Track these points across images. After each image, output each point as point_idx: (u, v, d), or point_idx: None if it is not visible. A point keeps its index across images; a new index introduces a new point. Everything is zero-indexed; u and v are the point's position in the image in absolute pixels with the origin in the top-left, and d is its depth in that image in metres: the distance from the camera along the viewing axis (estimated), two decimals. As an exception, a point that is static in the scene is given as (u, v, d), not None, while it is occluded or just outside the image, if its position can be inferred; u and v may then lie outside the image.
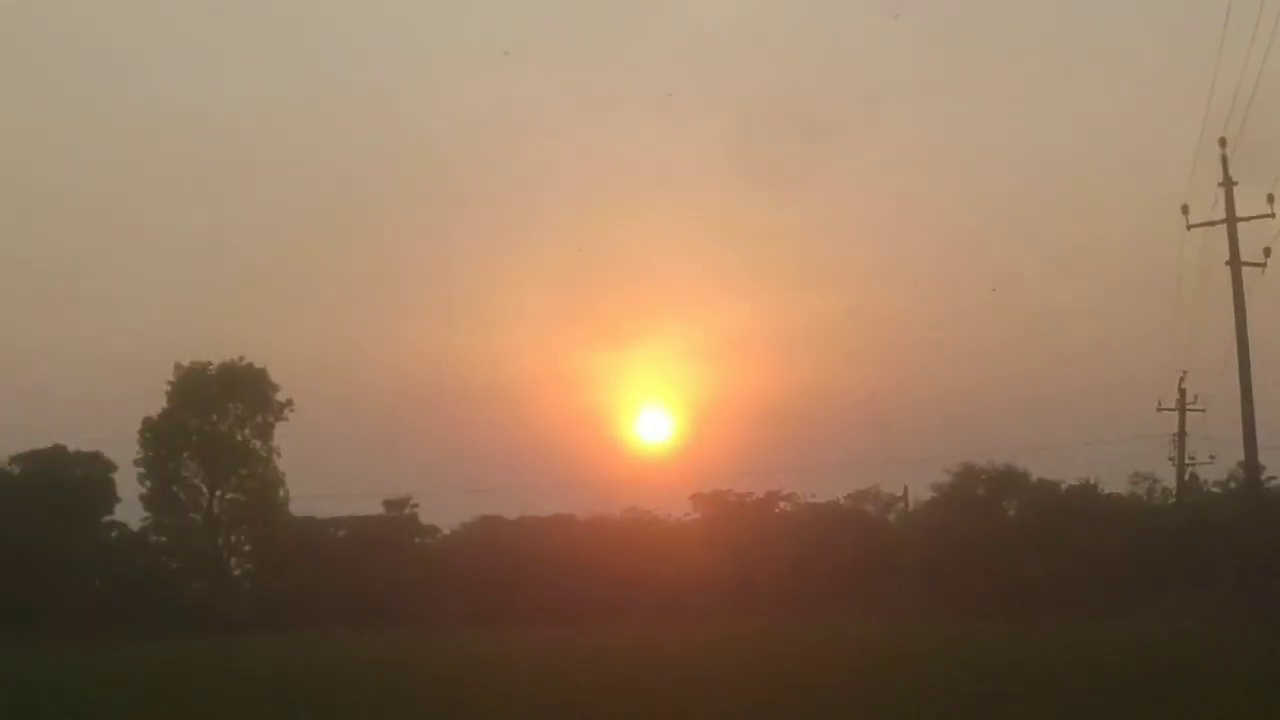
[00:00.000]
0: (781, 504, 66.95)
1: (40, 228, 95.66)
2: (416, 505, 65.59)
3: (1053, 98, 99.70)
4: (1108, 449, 71.95)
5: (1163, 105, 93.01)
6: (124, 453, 61.30)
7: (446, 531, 66.44)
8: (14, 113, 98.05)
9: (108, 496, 62.39)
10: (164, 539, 62.43)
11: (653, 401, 78.03)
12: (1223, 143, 25.46)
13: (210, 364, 61.39)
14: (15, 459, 61.78)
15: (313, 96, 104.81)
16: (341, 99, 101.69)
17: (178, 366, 61.14)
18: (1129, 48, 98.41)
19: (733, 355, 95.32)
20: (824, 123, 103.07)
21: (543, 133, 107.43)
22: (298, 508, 62.64)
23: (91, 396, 72.11)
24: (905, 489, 63.65)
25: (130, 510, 62.12)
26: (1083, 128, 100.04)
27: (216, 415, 61.62)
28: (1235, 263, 25.47)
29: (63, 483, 61.19)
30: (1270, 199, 24.87)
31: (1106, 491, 63.93)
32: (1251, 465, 27.55)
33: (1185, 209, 26.33)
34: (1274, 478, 52.88)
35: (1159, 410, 50.38)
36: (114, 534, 63.04)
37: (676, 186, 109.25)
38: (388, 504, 65.27)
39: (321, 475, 67.47)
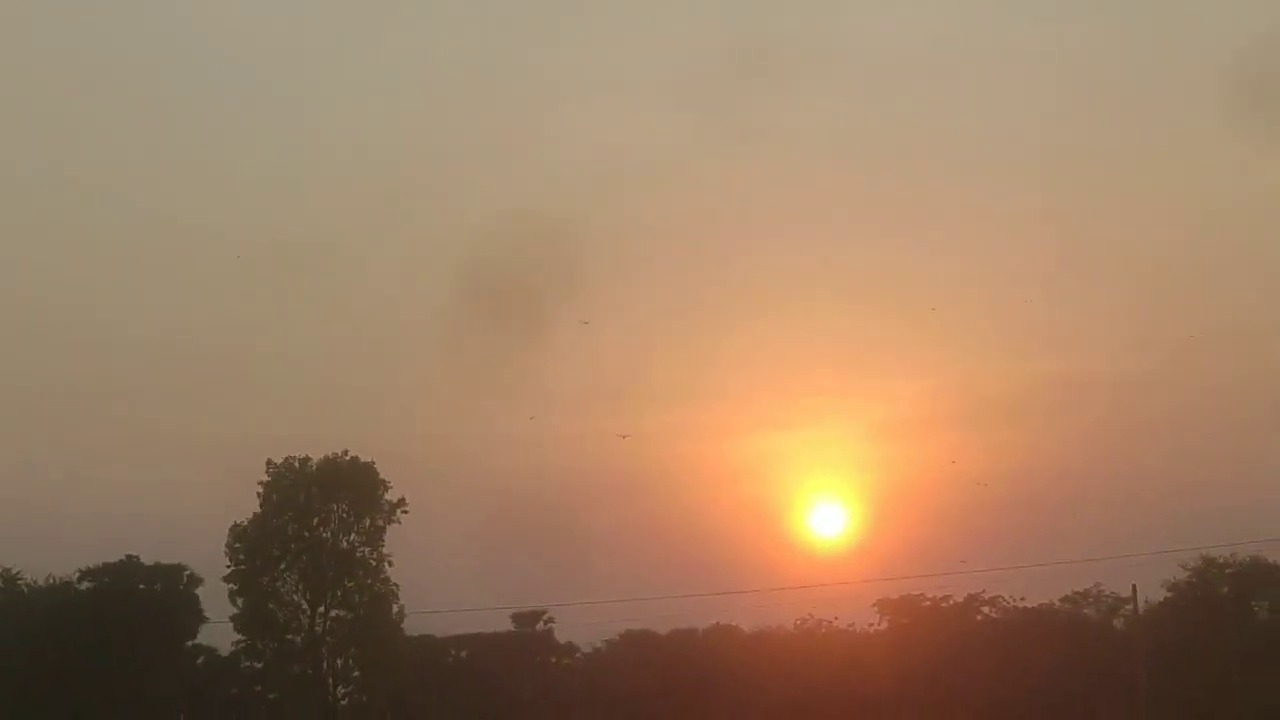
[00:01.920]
0: (984, 609, 60.44)
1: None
2: (551, 620, 59.71)
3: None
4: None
5: None
6: (212, 566, 56.16)
7: (587, 650, 60.70)
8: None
9: (193, 616, 57.42)
10: (259, 664, 57.04)
11: (828, 491, 71.06)
12: None
13: (309, 460, 55.93)
14: (85, 573, 57.07)
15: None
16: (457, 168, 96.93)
17: (270, 464, 55.58)
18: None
19: (920, 435, 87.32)
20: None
21: (682, 187, 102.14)
22: (413, 625, 56.85)
23: (173, 502, 67.30)
24: (1134, 589, 56.56)
25: (220, 633, 56.80)
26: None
27: (317, 519, 56.04)
28: None
29: (139, 600, 56.68)
30: None
31: None
32: None
33: None
34: None
35: None
36: (200, 659, 58.22)
37: (842, 235, 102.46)
38: (517, 619, 59.49)
39: (440, 587, 61.35)
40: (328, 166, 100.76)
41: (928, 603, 58.87)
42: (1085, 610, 60.43)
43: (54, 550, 58.29)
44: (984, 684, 54.98)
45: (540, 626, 59.51)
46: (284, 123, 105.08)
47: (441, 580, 62.86)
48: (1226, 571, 58.07)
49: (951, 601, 58.89)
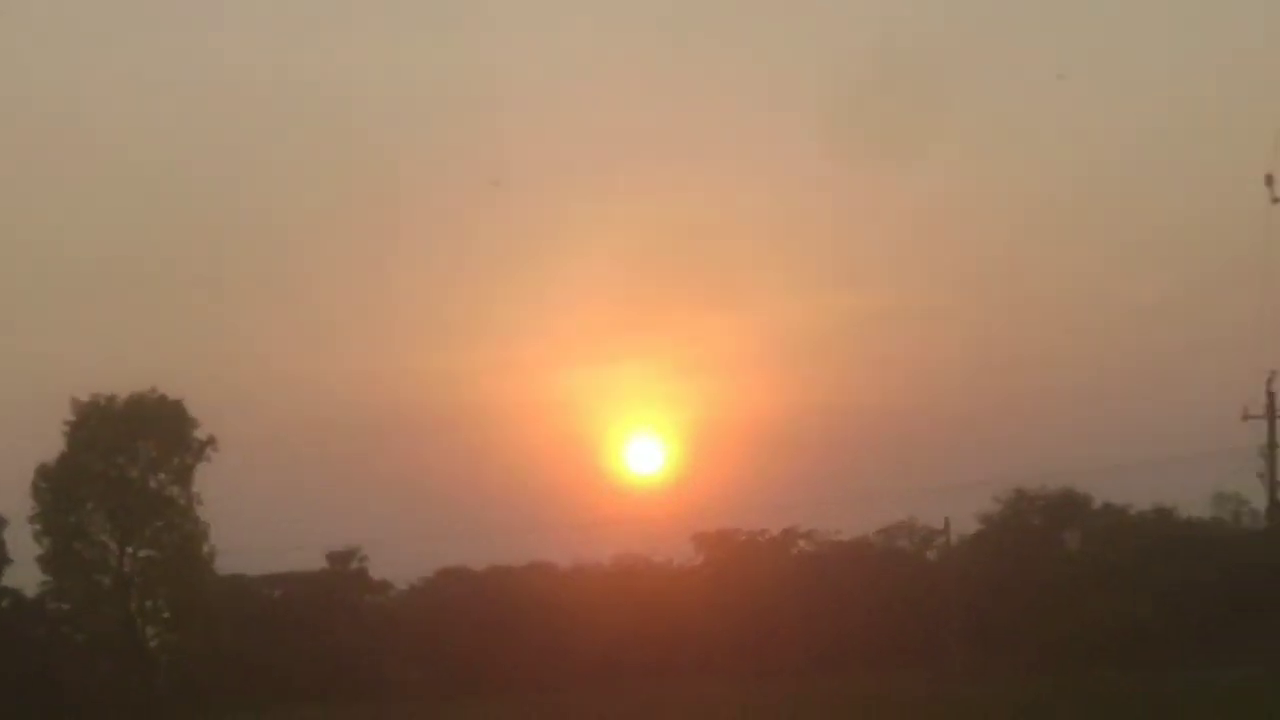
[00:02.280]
0: (800, 543, 62.50)
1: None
2: (366, 558, 60.44)
3: (1115, 68, 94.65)
4: (1185, 467, 66.26)
5: (1239, 65, 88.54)
6: (18, 507, 56.50)
7: (402, 587, 61.64)
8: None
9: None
10: (66, 606, 57.43)
11: (644, 427, 72.17)
12: None
13: (115, 397, 56.22)
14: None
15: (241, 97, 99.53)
16: (271, 99, 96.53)
17: (75, 402, 55.76)
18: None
19: (738, 371, 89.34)
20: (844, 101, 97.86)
21: (504, 111, 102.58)
22: (225, 564, 57.41)
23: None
24: (946, 521, 58.48)
25: (25, 573, 56.80)
26: (1152, 97, 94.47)
27: (124, 458, 56.43)
28: None
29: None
30: None
31: (1185, 516, 60.66)
32: None
33: (1269, 180, 24.80)
34: None
35: (1244, 419, 46.45)
36: (5, 601, 58.23)
37: (670, 170, 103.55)
38: (331, 557, 60.20)
39: (252, 525, 61.81)
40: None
41: (744, 537, 60.42)
42: (899, 543, 62.27)
43: None
44: (801, 616, 56.62)
45: (355, 565, 60.25)
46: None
47: (254, 519, 63.41)
48: (1038, 503, 60.19)
49: (767, 536, 60.50)
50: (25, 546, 55.74)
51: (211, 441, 57.27)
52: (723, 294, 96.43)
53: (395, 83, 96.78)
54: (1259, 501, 52.41)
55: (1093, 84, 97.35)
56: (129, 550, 56.71)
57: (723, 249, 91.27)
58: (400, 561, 60.31)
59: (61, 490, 56.10)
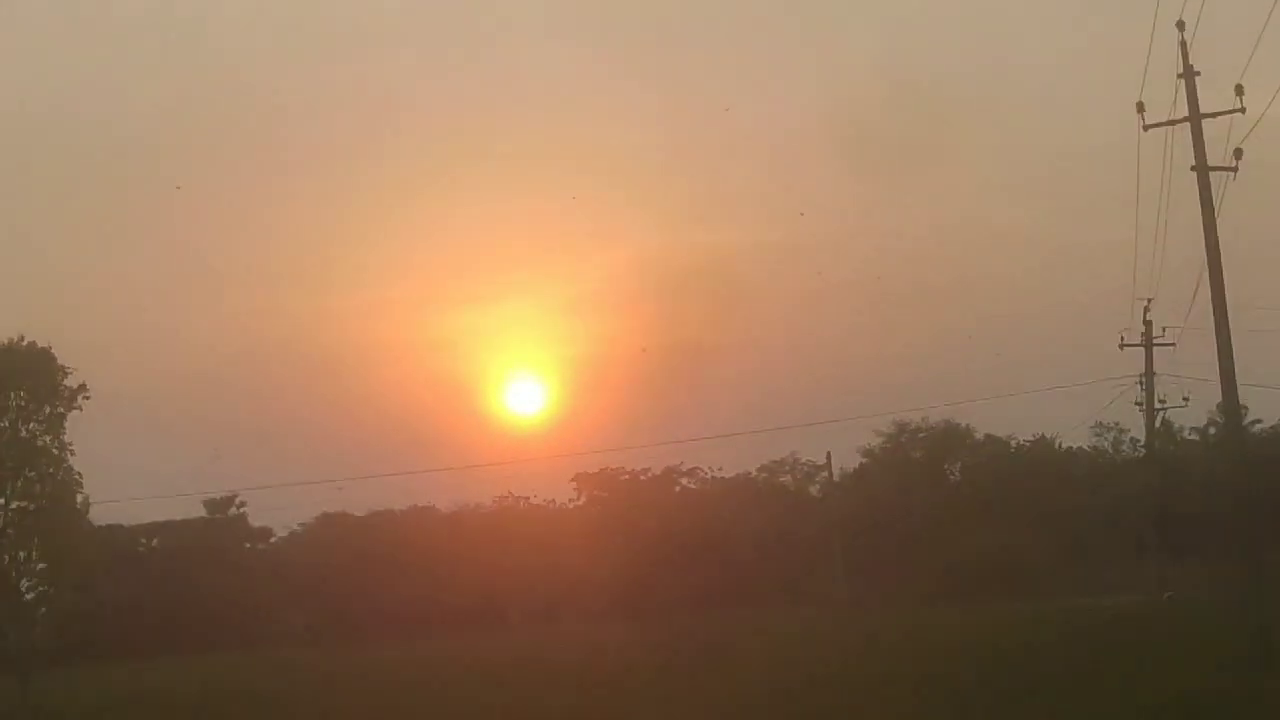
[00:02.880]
0: (682, 481, 62.89)
1: None
2: (244, 505, 60.77)
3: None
4: (1064, 397, 67.24)
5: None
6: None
7: (283, 534, 62.17)
8: None
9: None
10: (-66, 561, 57.68)
11: (523, 368, 72.13)
12: (1180, 26, 23.31)
13: (-20, 347, 56.39)
14: None
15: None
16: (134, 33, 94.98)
17: (-64, 351, 55.94)
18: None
19: (612, 307, 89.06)
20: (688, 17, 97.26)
21: (375, 49, 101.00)
22: (100, 514, 57.83)
23: None
24: (828, 455, 59.02)
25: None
26: (1022, 22, 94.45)
27: (-9, 408, 56.70)
28: (1202, 167, 23.79)
29: None
30: (1239, 90, 23.35)
31: (1066, 446, 62.23)
32: (1232, 407, 25.58)
33: (1140, 107, 24.95)
34: (1259, 421, 52.67)
35: (1122, 348, 47.36)
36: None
37: (540, 106, 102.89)
38: (209, 504, 60.47)
39: (127, 474, 62.08)
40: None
41: (626, 476, 60.78)
42: (782, 479, 63.06)
43: None
44: (684, 554, 56.96)
45: (233, 511, 60.47)
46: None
47: (130, 468, 63.76)
48: (919, 435, 60.97)
49: (650, 474, 60.86)
50: (-108, 502, 56.67)
51: (83, 389, 57.23)
52: (600, 231, 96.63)
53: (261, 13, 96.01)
54: (1138, 430, 54.52)
55: (960, 8, 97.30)
56: (0, 502, 57.07)
57: (598, 184, 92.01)
58: (281, 508, 60.70)
59: (-77, 443, 56.29)
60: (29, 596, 58.04)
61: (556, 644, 43.03)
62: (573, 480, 60.41)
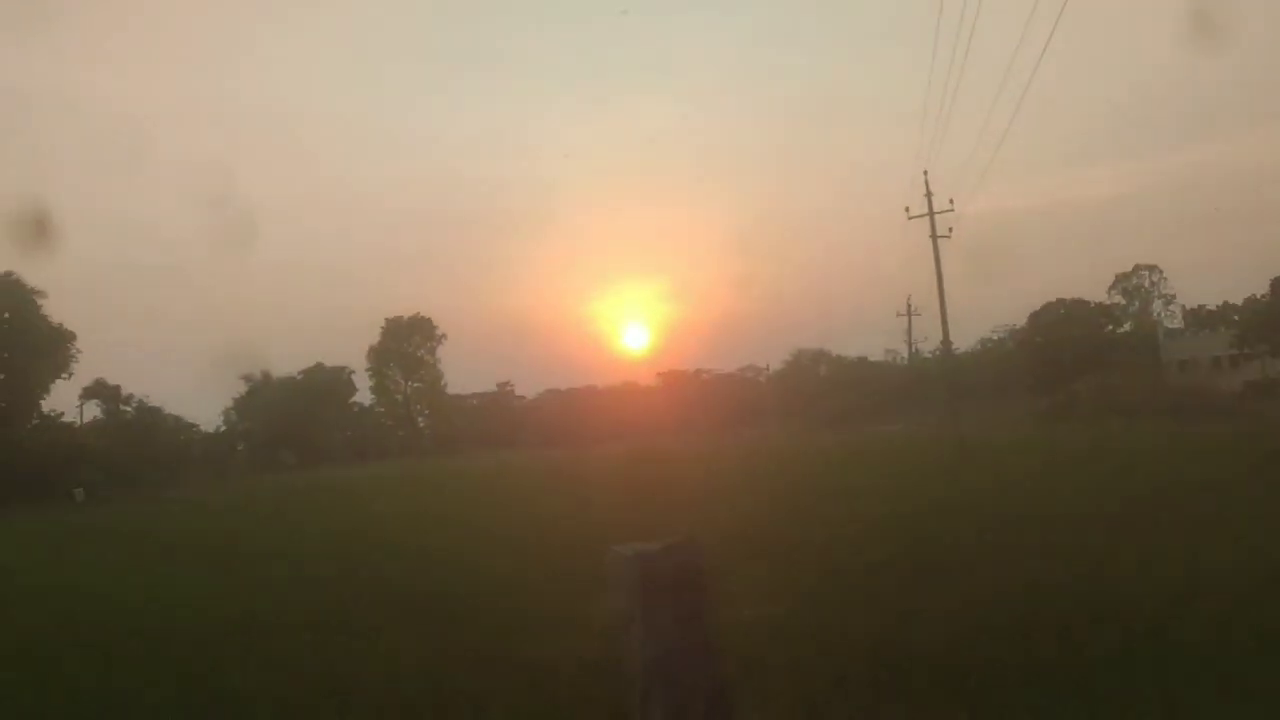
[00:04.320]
0: (705, 376, 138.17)
1: None
2: (511, 385, 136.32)
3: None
4: (873, 336, 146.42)
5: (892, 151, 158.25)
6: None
7: (532, 397, 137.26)
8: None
9: (351, 389, 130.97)
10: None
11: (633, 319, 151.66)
12: (925, 173, 43.68)
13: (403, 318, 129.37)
14: (302, 372, 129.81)
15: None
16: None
17: (387, 321, 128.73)
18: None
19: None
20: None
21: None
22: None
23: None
24: (768, 365, 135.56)
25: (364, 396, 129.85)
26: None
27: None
28: (934, 237, 41.86)
29: (324, 386, 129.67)
30: (951, 201, 42.16)
31: (872, 359, 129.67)
32: (945, 343, 46.09)
33: (907, 209, 43.01)
34: (958, 348, 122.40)
35: (898, 315, 78.73)
36: (356, 409, 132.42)
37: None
38: (500, 383, 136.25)
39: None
40: None
41: (679, 374, 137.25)
42: (748, 374, 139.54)
43: None
44: (705, 409, 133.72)
45: (507, 389, 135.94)
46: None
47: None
48: (808, 355, 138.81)
49: (688, 372, 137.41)
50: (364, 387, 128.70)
51: None
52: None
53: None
54: (904, 352, 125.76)
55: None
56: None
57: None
58: (535, 389, 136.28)
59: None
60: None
61: (657, 448, 62.82)
62: (657, 375, 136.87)
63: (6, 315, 68.47)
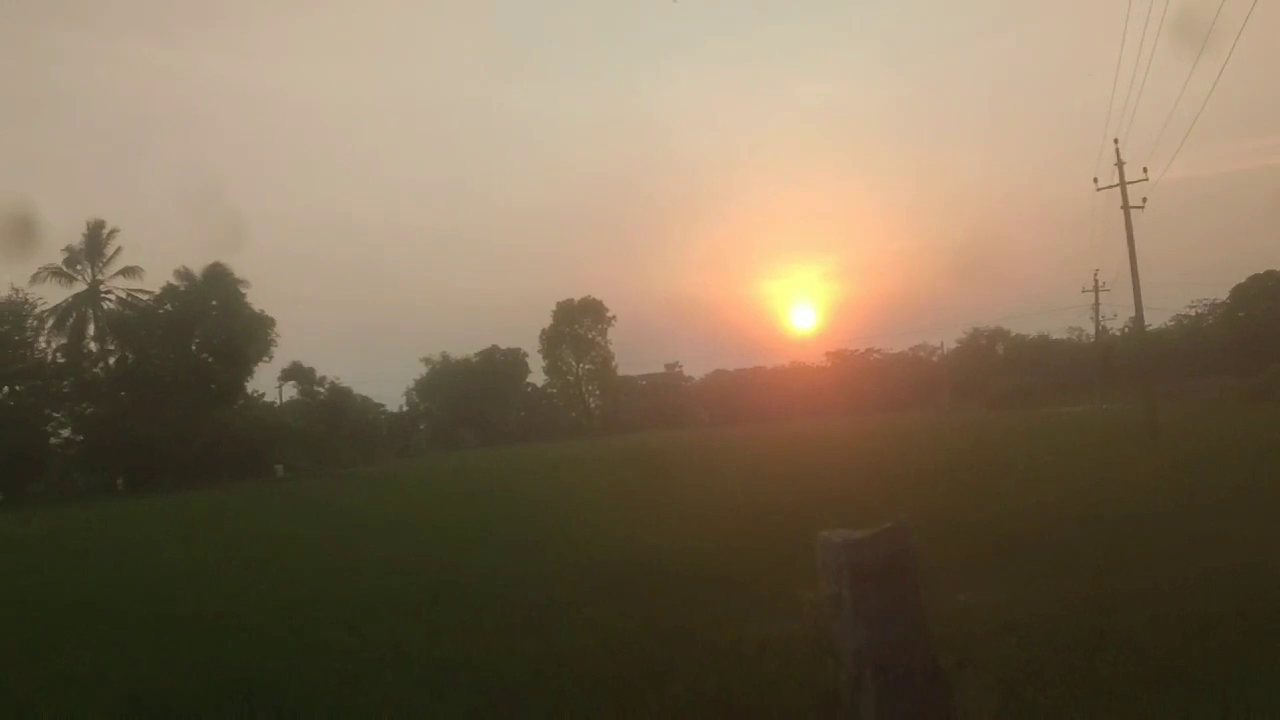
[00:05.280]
0: (875, 355, 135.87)
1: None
2: (679, 365, 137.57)
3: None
4: (1055, 314, 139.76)
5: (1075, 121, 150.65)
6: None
7: (700, 378, 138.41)
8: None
9: (524, 370, 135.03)
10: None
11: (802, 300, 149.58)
12: (1115, 142, 39.65)
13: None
14: (479, 354, 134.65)
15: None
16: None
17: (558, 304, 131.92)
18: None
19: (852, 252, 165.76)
20: None
21: None
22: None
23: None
24: (941, 344, 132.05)
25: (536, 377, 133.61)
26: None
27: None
28: (1126, 207, 38.54)
29: (499, 367, 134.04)
30: (1145, 170, 39.09)
31: (1054, 338, 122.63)
32: (1139, 318, 40.92)
33: (1095, 180, 40.94)
34: (1151, 325, 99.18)
35: (1083, 291, 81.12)
36: (529, 390, 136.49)
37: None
38: (668, 367, 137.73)
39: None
40: None
41: (848, 354, 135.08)
42: (920, 354, 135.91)
43: None
44: (874, 388, 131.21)
45: (676, 369, 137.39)
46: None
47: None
48: (984, 334, 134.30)
49: (858, 351, 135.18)
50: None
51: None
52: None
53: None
54: (1090, 330, 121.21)
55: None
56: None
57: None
58: (700, 369, 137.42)
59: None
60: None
61: (818, 429, 74.58)
62: (826, 355, 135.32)
63: (215, 303, 73.57)
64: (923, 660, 5.87)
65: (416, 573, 13.92)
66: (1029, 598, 8.62)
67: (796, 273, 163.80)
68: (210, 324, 72.38)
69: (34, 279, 70.94)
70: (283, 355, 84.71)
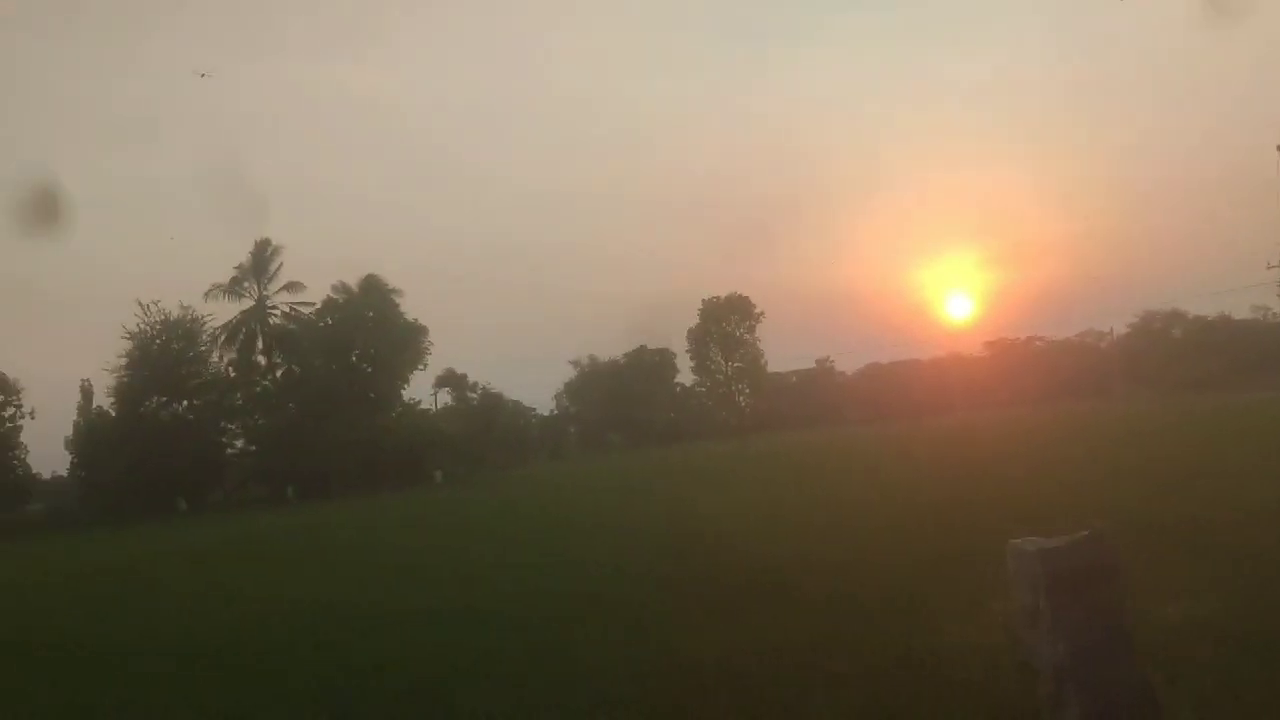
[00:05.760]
0: (1038, 343, 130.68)
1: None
2: (832, 360, 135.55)
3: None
4: (1237, 293, 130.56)
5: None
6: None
7: (851, 373, 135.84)
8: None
9: (672, 370, 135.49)
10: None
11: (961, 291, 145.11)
12: None
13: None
14: (626, 355, 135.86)
15: None
16: None
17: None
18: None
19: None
20: None
21: None
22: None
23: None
24: (1110, 329, 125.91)
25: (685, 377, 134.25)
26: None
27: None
28: None
29: (646, 368, 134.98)
30: None
31: (1238, 318, 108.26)
32: None
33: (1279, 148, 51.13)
34: None
35: (1269, 267, 77.96)
36: (678, 390, 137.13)
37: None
38: (820, 362, 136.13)
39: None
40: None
41: (1008, 342, 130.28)
42: (1087, 340, 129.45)
43: None
44: (1038, 377, 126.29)
45: (828, 364, 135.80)
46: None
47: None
48: (1158, 317, 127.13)
49: (1019, 339, 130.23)
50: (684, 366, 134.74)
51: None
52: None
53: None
54: (1277, 308, 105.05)
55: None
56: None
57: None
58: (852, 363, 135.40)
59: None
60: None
61: (980, 420, 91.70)
62: (984, 345, 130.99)
63: (371, 314, 76.65)
64: (1129, 675, 5.57)
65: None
66: (1243, 608, 8.02)
67: (949, 260, 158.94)
68: (367, 334, 75.42)
69: (207, 296, 75.46)
70: (436, 362, 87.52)
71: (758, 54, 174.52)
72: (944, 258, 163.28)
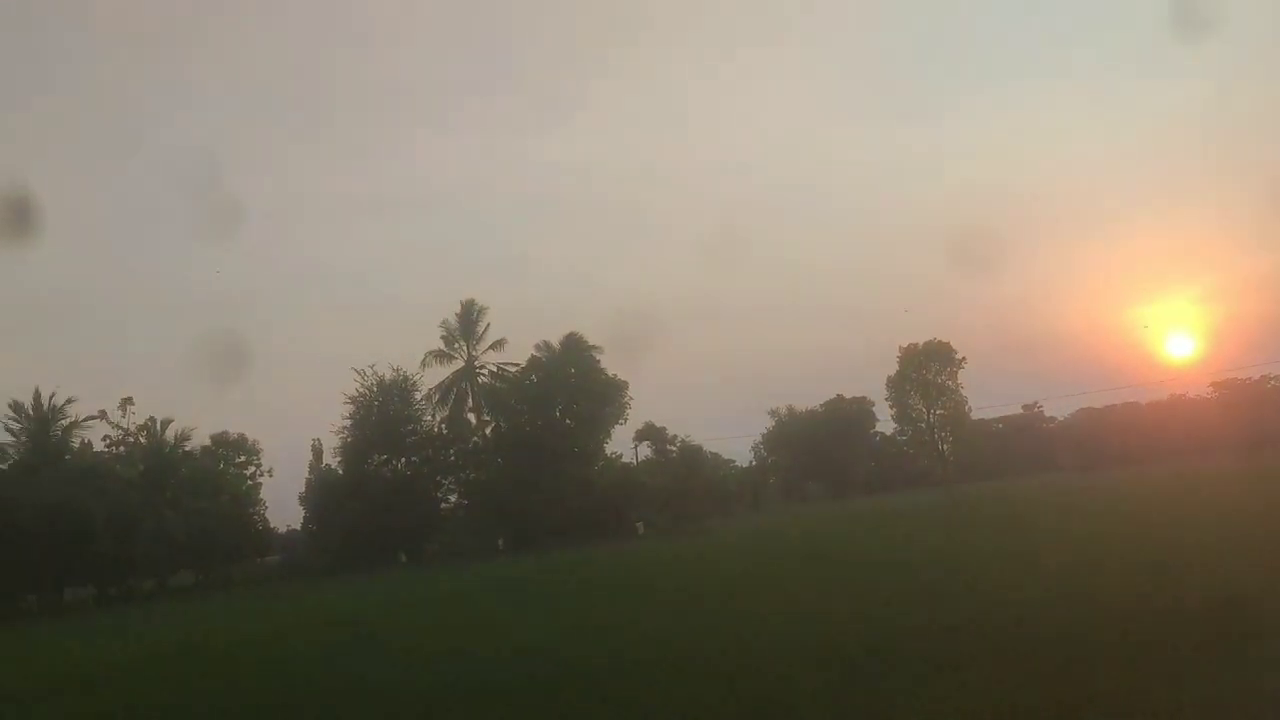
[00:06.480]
0: (1273, 383, 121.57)
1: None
2: (1041, 405, 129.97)
3: None
4: None
5: None
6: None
7: (1062, 417, 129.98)
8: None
9: (871, 420, 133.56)
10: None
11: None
12: None
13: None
14: (824, 405, 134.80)
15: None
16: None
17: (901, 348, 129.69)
18: None
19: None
20: None
21: None
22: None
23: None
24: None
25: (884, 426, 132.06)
26: None
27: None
28: None
29: (845, 417, 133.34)
30: None
31: None
32: None
33: None
34: None
35: None
36: (877, 439, 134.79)
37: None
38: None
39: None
40: None
41: (1240, 382, 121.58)
42: None
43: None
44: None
45: (1036, 410, 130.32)
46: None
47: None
48: None
49: (1252, 379, 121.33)
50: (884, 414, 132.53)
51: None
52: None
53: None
54: None
55: None
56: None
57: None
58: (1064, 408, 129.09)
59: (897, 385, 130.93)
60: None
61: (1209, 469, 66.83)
62: (1210, 385, 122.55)
63: (573, 371, 79.58)
64: None
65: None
66: None
67: (1171, 295, 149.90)
68: (570, 391, 78.26)
69: (423, 363, 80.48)
70: (636, 417, 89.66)
71: (953, 93, 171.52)
72: (1160, 293, 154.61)
